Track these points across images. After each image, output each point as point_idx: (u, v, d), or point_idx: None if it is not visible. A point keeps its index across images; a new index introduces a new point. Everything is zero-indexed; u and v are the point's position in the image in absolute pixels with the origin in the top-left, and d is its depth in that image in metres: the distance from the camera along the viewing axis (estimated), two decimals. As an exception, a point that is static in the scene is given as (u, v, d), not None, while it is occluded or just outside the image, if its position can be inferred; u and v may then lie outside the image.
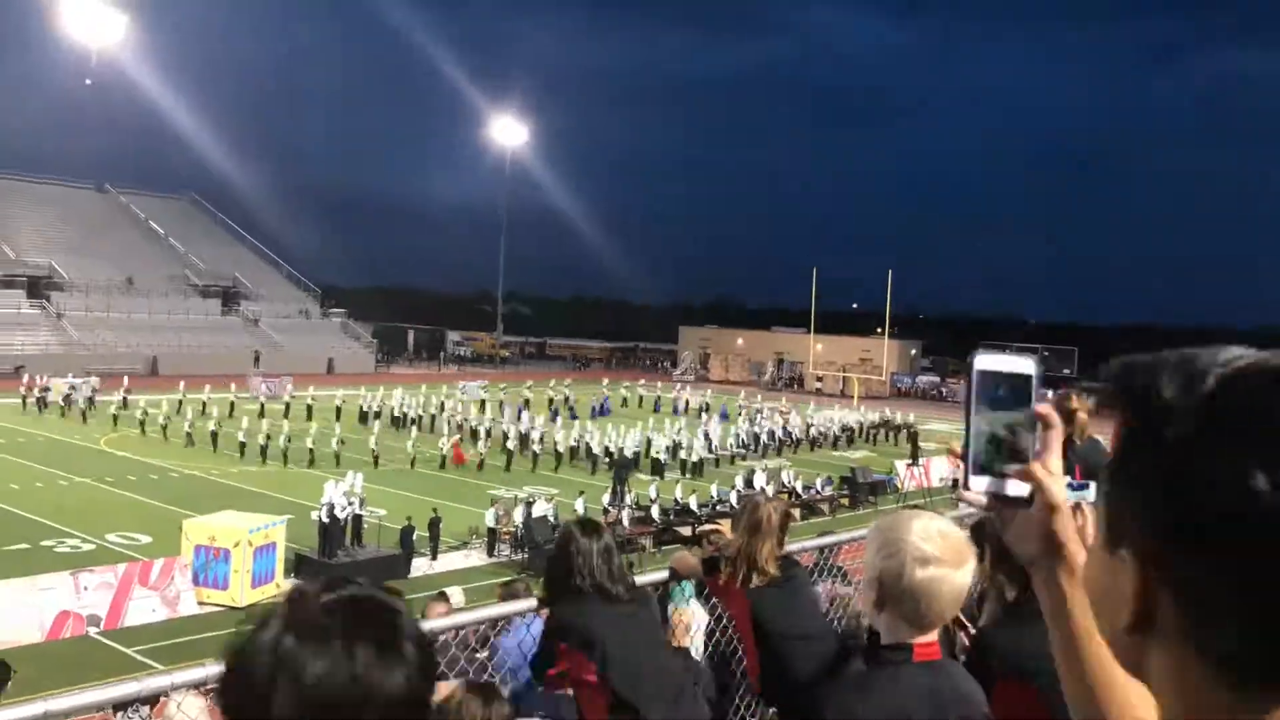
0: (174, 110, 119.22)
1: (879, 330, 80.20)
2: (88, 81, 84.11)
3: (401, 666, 1.21)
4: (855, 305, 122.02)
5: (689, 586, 3.92)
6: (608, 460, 37.42)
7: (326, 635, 1.19)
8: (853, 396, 72.79)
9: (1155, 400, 0.81)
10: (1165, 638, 0.80)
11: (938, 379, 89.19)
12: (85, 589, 19.98)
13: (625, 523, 27.34)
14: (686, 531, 27.80)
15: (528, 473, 36.41)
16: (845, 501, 34.40)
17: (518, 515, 26.56)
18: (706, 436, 42.13)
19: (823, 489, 34.78)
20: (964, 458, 1.19)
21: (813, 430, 48.86)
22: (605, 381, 58.23)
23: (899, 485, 37.21)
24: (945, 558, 2.17)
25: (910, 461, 40.48)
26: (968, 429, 1.18)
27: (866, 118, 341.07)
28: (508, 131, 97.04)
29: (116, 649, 18.32)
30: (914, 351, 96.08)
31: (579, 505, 28.22)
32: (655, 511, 28.61)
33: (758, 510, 3.72)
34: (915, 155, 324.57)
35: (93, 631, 19.48)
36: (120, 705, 2.35)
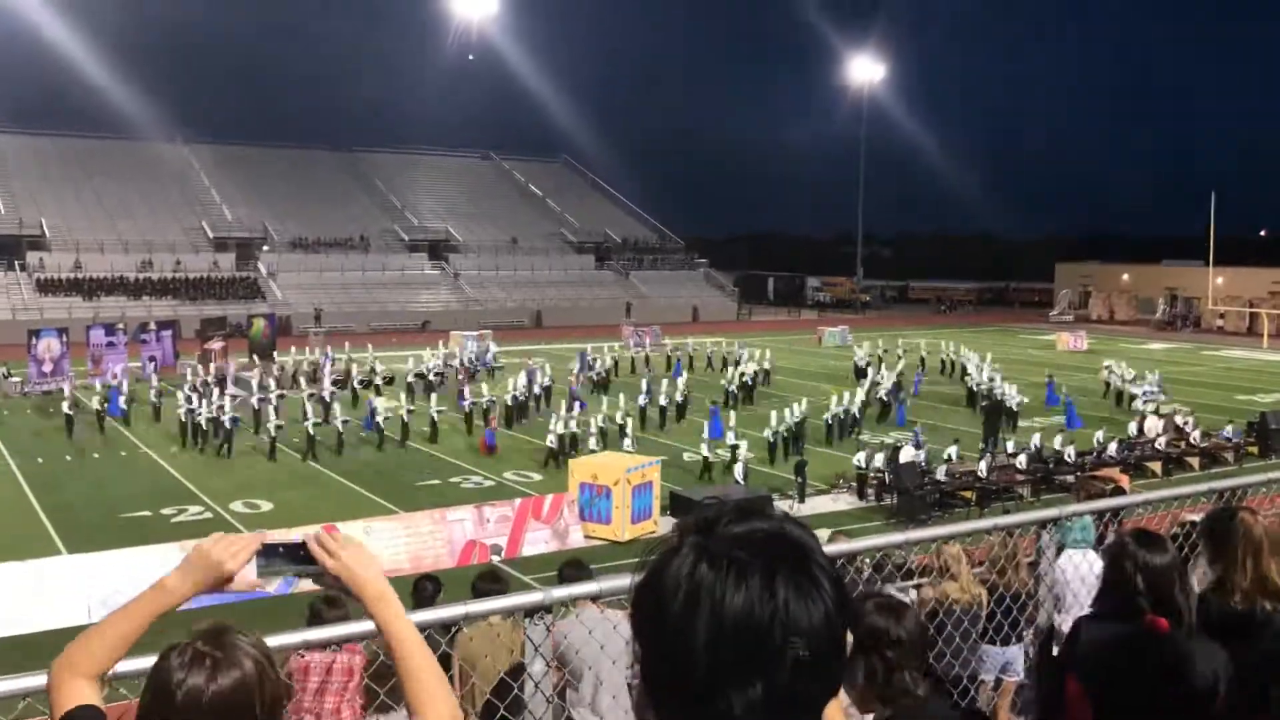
0: (543, 79, 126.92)
1: (1293, 258, 71.20)
2: (470, 57, 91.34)
3: (820, 601, 1.18)
4: (1263, 231, 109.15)
5: (1090, 526, 3.63)
6: (984, 405, 35.92)
7: (745, 568, 1.17)
8: (1261, 335, 65.28)
9: None
10: None
11: (1369, 312, 77.87)
12: (488, 521, 22.04)
13: (984, 471, 26.18)
14: (1069, 479, 26.29)
15: (891, 421, 35.83)
16: (1253, 450, 30.95)
17: (879, 460, 26.18)
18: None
19: (1232, 436, 31.47)
20: None
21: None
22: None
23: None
24: None
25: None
26: None
27: (1273, 7, 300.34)
28: (864, 69, 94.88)
29: (517, 575, 20.02)
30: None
31: (952, 451, 27.36)
32: (1021, 460, 27.13)
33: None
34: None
35: (495, 559, 21.45)
36: (530, 611, 2.56)
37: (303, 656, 5.55)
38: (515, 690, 2.72)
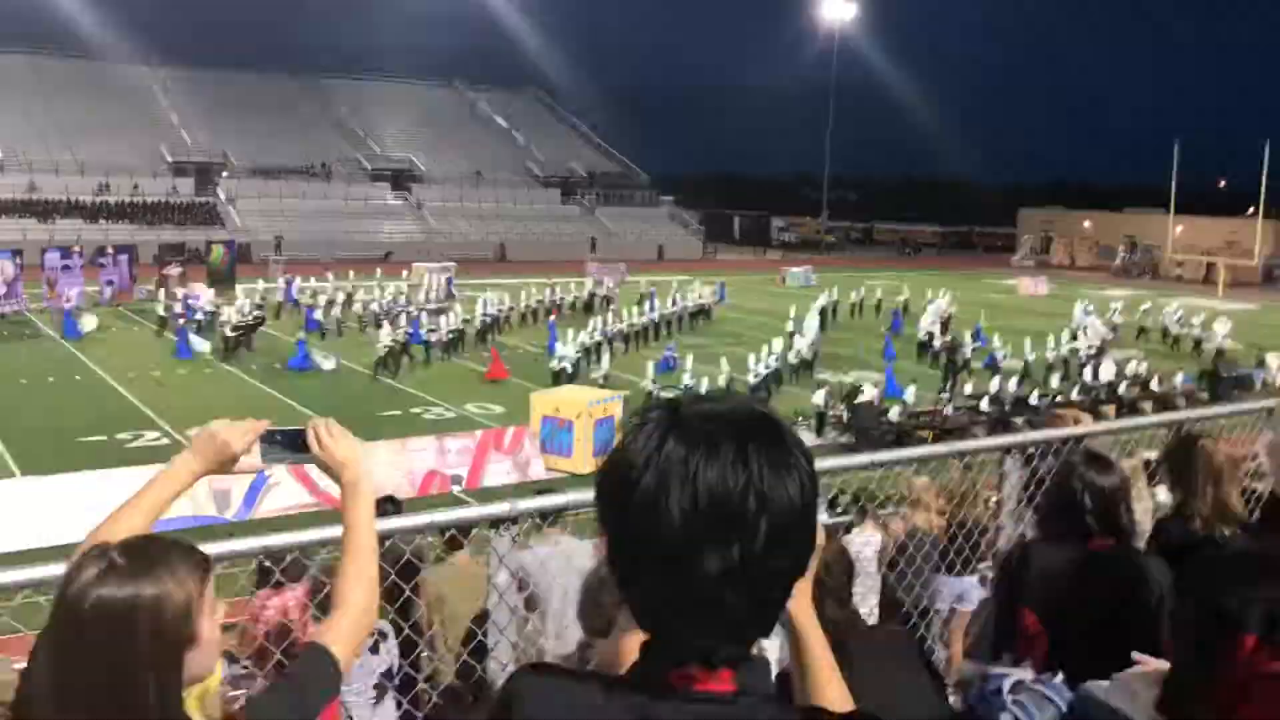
0: (512, 9, 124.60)
1: (1251, 210, 71.94)
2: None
3: (794, 473, 1.17)
4: (1223, 183, 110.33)
5: None
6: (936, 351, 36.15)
7: (715, 442, 1.15)
8: (1217, 284, 66.20)
9: None
10: None
11: (1322, 264, 79.10)
12: (449, 452, 22.03)
13: (949, 411, 26.57)
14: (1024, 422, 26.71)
15: (852, 357, 36.08)
16: (1204, 396, 31.52)
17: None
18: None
19: (1181, 383, 32.03)
20: None
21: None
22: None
23: (1269, 379, 33.60)
24: None
25: (1286, 354, 36.40)
26: None
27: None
28: (835, 7, 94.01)
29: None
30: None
31: (910, 393, 27.61)
32: (985, 404, 27.52)
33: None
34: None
35: (456, 489, 21.49)
36: (495, 522, 2.55)
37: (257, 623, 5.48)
38: (482, 632, 2.71)
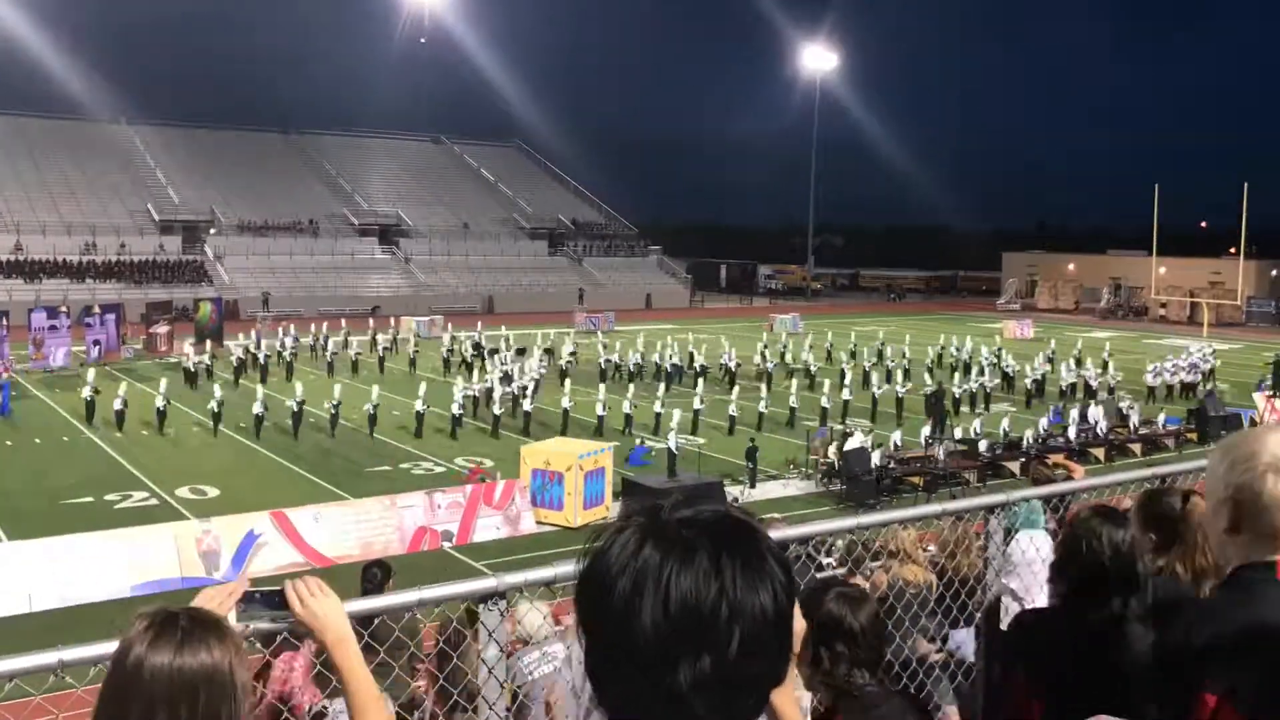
0: (495, 63, 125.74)
1: (1232, 250, 72.61)
2: (421, 40, 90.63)
3: (768, 582, 1.18)
4: (1204, 223, 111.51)
5: (1037, 507, 3.69)
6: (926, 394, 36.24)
7: (690, 549, 1.16)
8: (1201, 324, 66.66)
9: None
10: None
11: (1304, 302, 79.73)
12: (439, 507, 21.91)
13: (942, 456, 26.58)
14: (1014, 466, 26.74)
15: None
16: (1192, 436, 31.64)
17: (832, 449, 26.44)
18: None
19: (1166, 424, 32.16)
20: None
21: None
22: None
23: (1256, 418, 33.75)
24: None
25: (1271, 392, 36.63)
26: None
27: (1210, 9, 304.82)
28: (817, 59, 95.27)
29: (467, 562, 19.97)
30: (1275, 272, 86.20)
31: (896, 437, 27.67)
32: (983, 446, 27.56)
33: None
34: (1272, 49, 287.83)
35: (446, 546, 21.36)
36: (483, 598, 2.54)
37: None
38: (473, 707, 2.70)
